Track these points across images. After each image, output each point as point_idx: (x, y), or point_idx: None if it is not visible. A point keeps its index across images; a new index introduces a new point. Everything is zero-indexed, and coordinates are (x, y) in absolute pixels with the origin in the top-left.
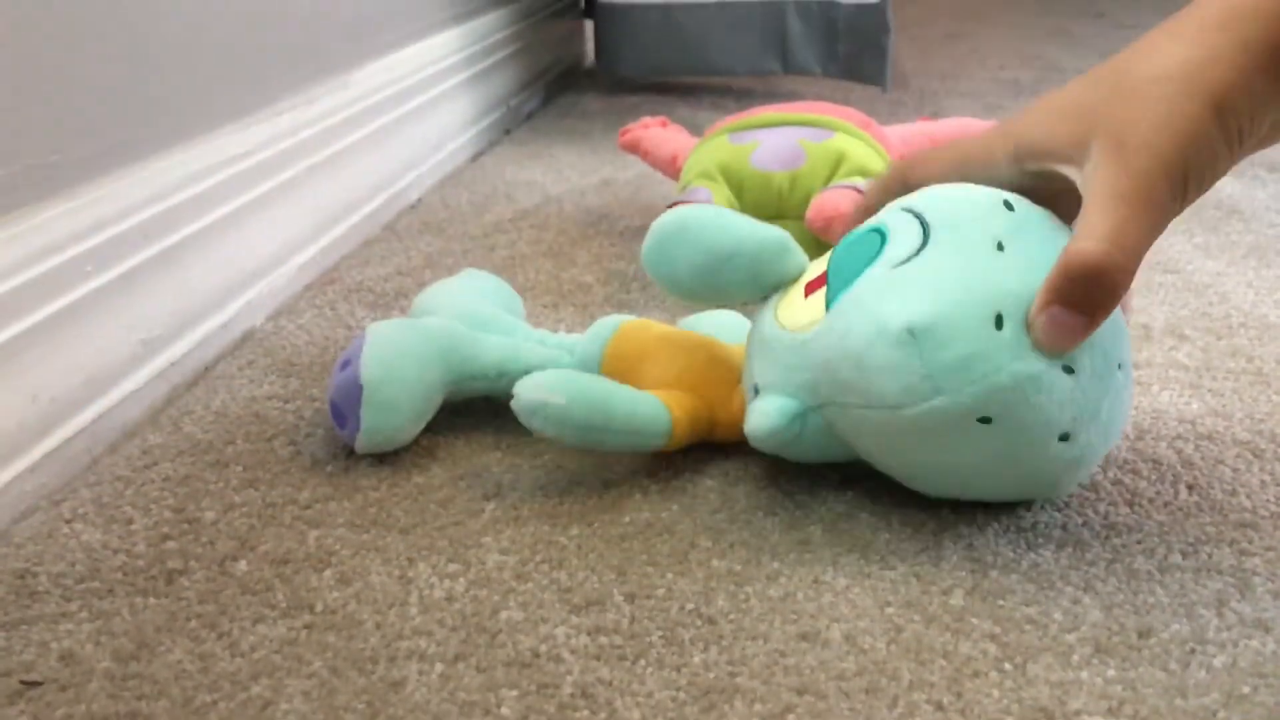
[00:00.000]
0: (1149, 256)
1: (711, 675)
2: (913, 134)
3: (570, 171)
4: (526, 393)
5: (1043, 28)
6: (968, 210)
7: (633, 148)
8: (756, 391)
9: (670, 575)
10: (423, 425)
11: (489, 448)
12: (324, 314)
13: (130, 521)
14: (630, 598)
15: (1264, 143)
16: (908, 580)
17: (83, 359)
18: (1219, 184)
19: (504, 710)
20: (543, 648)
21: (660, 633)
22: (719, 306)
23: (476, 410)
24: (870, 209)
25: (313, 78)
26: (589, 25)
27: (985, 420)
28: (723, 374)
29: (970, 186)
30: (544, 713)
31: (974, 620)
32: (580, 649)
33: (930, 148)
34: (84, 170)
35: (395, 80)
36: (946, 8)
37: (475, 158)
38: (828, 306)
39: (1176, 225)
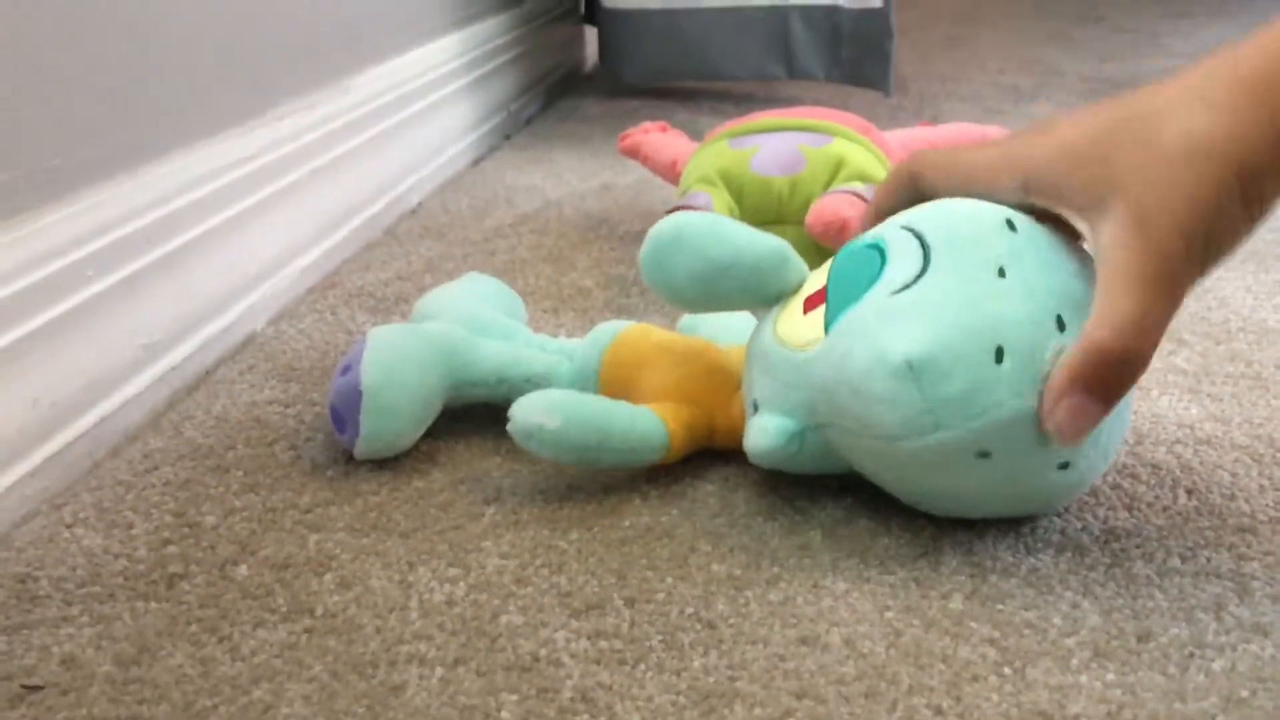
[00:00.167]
0: None
1: (711, 679)
2: (912, 139)
3: (570, 176)
4: (521, 415)
5: (1042, 31)
6: (969, 230)
7: (632, 153)
8: (756, 407)
9: (670, 579)
10: (422, 431)
11: (489, 452)
12: (325, 318)
13: (131, 526)
14: (630, 602)
15: None
16: (907, 585)
17: (84, 363)
18: None
19: (504, 714)
20: (543, 652)
21: (660, 637)
22: (717, 313)
23: (477, 415)
24: (880, 214)
25: (314, 82)
26: (589, 30)
27: (984, 454)
28: (721, 381)
29: (973, 202)
30: (544, 717)
31: (973, 624)
32: (580, 653)
33: (940, 151)
34: (85, 174)
35: (396, 85)
36: (946, 12)
37: (476, 162)
38: (827, 327)
39: None
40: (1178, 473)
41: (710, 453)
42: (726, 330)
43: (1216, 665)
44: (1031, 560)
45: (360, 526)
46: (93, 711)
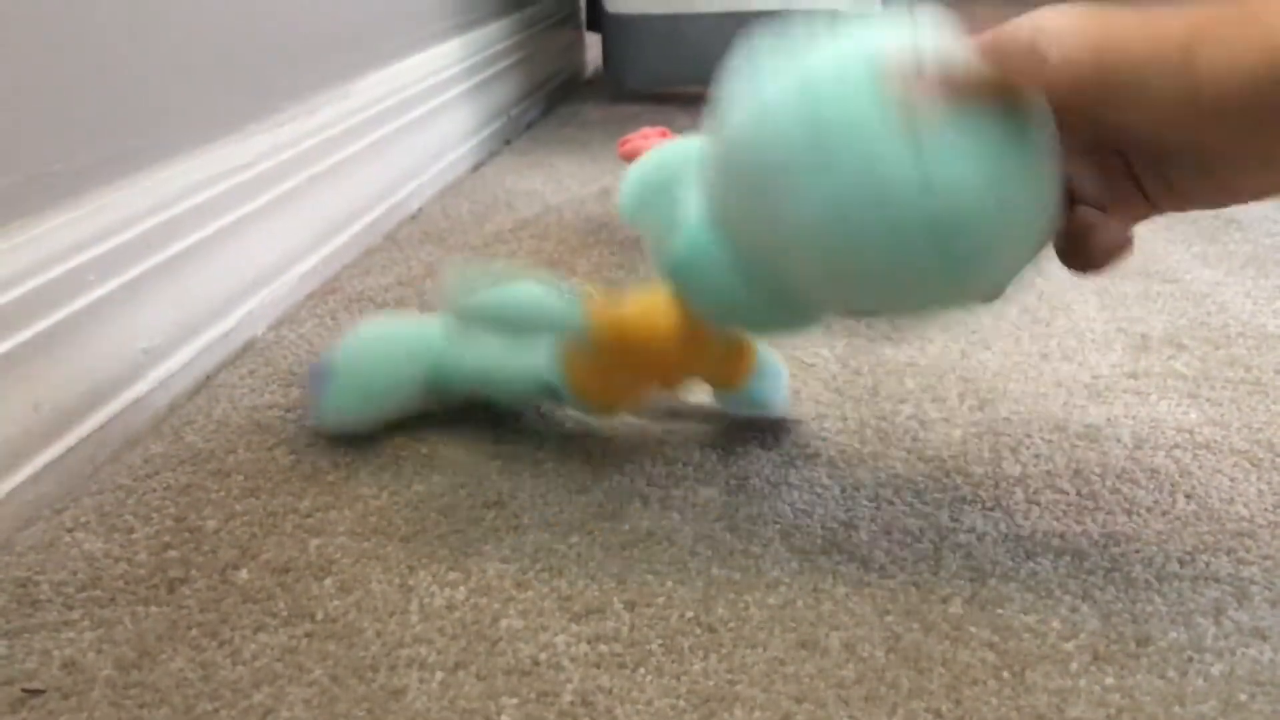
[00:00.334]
0: (1148, 265)
1: (711, 683)
2: None
3: (570, 181)
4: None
5: None
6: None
7: (632, 157)
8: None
9: (670, 583)
10: (386, 411)
11: (489, 456)
12: (325, 323)
13: (132, 530)
14: (630, 606)
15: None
16: (906, 589)
17: (85, 368)
18: None
19: (504, 718)
20: (543, 656)
21: (660, 641)
22: None
23: (476, 418)
24: None
25: (314, 88)
26: (590, 36)
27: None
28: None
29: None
30: None
31: (972, 628)
32: (580, 657)
33: None
34: (86, 179)
35: (396, 90)
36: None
37: (476, 167)
38: None
39: (1174, 235)
40: (1177, 477)
41: (711, 456)
42: None
43: (1215, 669)
44: (1031, 564)
45: (361, 530)
46: (93, 715)
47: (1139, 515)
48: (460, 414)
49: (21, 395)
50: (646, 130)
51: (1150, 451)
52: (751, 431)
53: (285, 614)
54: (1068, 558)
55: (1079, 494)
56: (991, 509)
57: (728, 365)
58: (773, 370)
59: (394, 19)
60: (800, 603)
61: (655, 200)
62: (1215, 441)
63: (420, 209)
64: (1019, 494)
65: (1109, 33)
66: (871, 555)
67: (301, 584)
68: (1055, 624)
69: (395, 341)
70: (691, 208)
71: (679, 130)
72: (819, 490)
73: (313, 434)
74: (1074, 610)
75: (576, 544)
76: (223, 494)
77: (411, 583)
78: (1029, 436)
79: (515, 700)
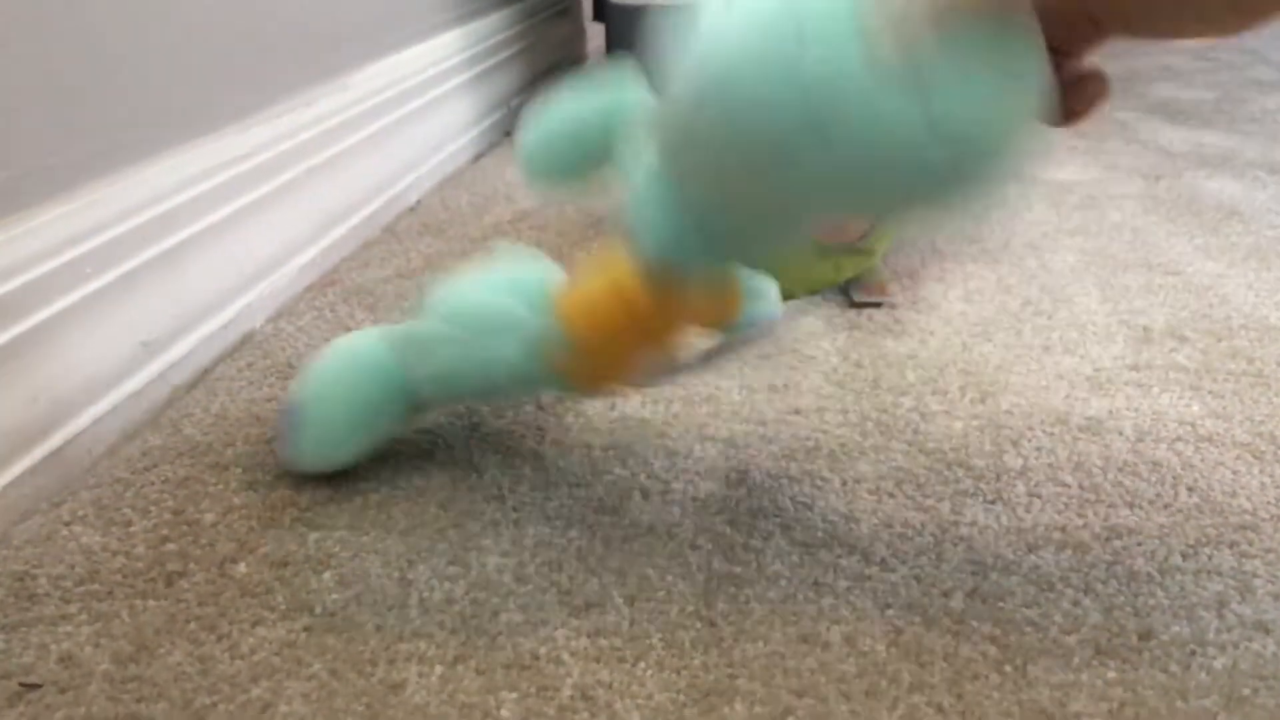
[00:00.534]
0: (1150, 258)
1: (711, 677)
2: None
3: None
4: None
5: None
6: None
7: None
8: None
9: (670, 577)
10: (362, 445)
11: (489, 450)
12: (324, 316)
13: (130, 524)
14: (630, 600)
15: None
16: (908, 583)
17: (82, 361)
18: (1219, 185)
19: (504, 713)
20: (542, 650)
21: (660, 635)
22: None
23: (475, 412)
24: None
25: (313, 80)
26: (590, 26)
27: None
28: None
29: None
30: (544, 715)
31: (974, 622)
32: (580, 651)
33: None
34: (84, 172)
35: (395, 82)
36: None
37: (475, 159)
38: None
39: (1177, 227)
40: (1179, 470)
41: (711, 448)
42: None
43: (1218, 663)
44: (1032, 558)
45: (359, 524)
46: (91, 709)
47: (1141, 508)
48: (457, 407)
49: (19, 388)
50: None
51: (1152, 444)
52: (752, 424)
53: (284, 608)
54: (1069, 551)
55: (1081, 487)
56: (993, 502)
57: (713, 306)
58: (756, 287)
59: (393, 10)
60: (801, 597)
61: (569, 157)
62: (1217, 434)
63: (419, 201)
64: (1020, 487)
65: None
66: (872, 549)
67: (300, 577)
68: (1057, 618)
69: (361, 368)
70: (642, 170)
71: None
72: (819, 483)
73: None
74: (1076, 604)
75: (576, 538)
76: (221, 487)
77: (411, 576)
78: (1030, 429)
79: (515, 695)
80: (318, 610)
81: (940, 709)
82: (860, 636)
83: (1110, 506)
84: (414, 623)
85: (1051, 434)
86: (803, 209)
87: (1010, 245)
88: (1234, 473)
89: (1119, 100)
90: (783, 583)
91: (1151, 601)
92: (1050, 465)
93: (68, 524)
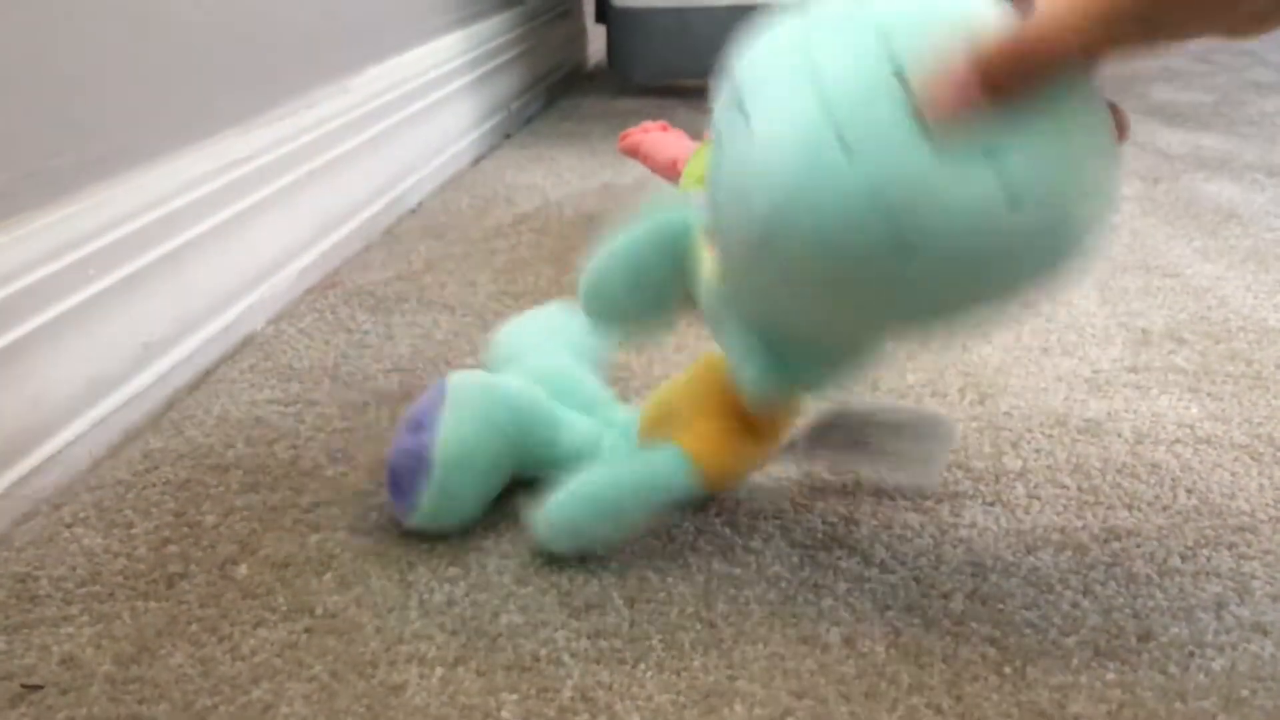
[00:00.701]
0: (1148, 260)
1: (711, 678)
2: None
3: (571, 175)
4: (538, 532)
5: None
6: (771, 56)
7: (633, 152)
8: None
9: (670, 579)
10: (480, 511)
11: None
12: (324, 318)
13: (131, 525)
14: (630, 601)
15: None
16: (907, 584)
17: (84, 363)
18: (1218, 187)
19: (504, 714)
20: (543, 651)
21: (660, 636)
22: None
23: None
24: None
25: (314, 82)
26: (591, 29)
27: (907, 245)
28: (734, 399)
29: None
30: (544, 716)
31: (973, 624)
32: (580, 653)
33: None
34: (86, 174)
35: (396, 85)
36: None
37: (476, 161)
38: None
39: (1175, 229)
40: (1178, 472)
41: None
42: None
43: (1217, 664)
44: (1031, 559)
45: (360, 526)
46: (92, 711)
47: (1140, 510)
48: None
49: (21, 389)
50: (647, 124)
51: (1151, 446)
52: None
53: (285, 609)
54: (1068, 553)
55: (1080, 489)
56: (992, 504)
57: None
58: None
59: (394, 13)
60: (800, 598)
61: (630, 298)
62: (1216, 436)
63: (420, 203)
64: (1020, 489)
65: None
66: (872, 550)
67: (301, 579)
68: (1056, 619)
69: (495, 432)
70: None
71: (679, 124)
72: (819, 485)
73: (312, 429)
74: (1075, 605)
75: None
76: (222, 489)
77: (411, 578)
78: (1029, 431)
79: (515, 696)
80: (318, 612)
81: (939, 710)
82: (860, 638)
83: (1109, 508)
84: (414, 624)
85: (1050, 436)
86: (895, 317)
87: None
88: (1232, 475)
89: (1118, 102)
90: (782, 584)
91: (1150, 603)
92: (1049, 467)
93: (69, 525)
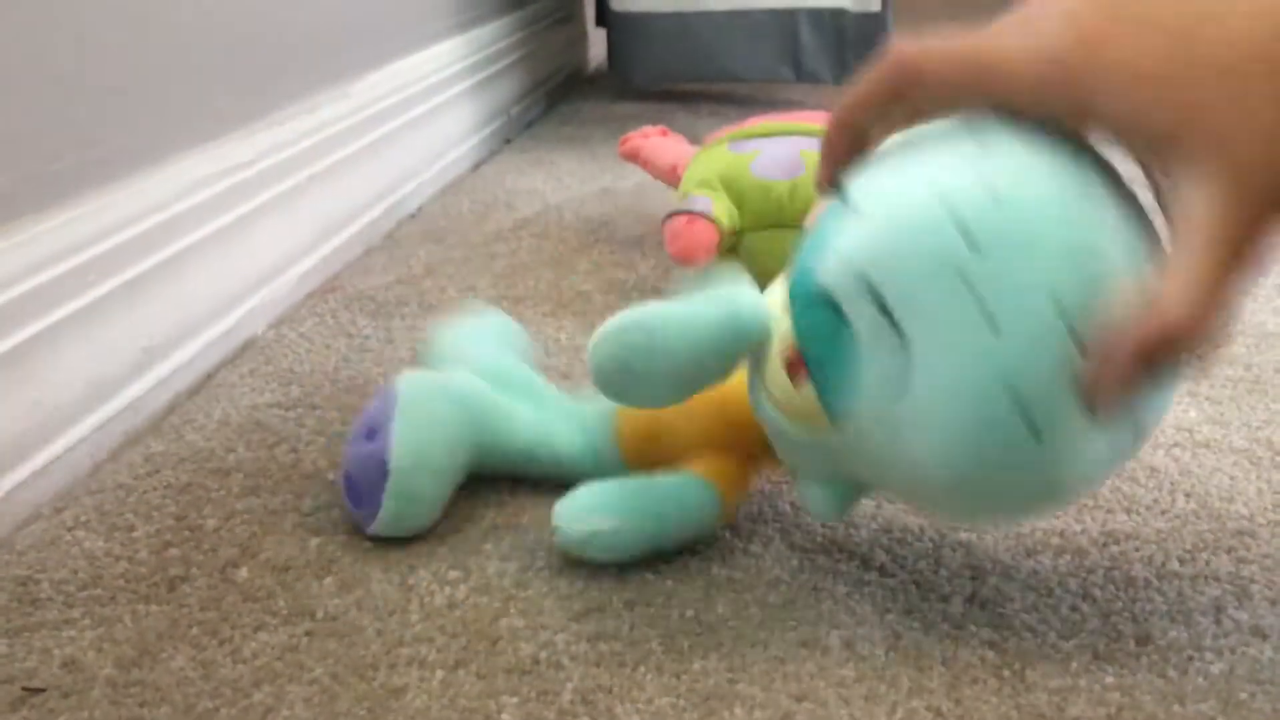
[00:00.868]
0: None
1: (711, 682)
2: None
3: (571, 180)
4: (571, 524)
5: None
6: (922, 265)
7: (633, 156)
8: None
9: (670, 582)
10: (440, 512)
11: None
12: (325, 322)
13: (132, 529)
14: (630, 604)
15: None
16: (907, 587)
17: (85, 367)
18: None
19: (504, 717)
20: (543, 654)
21: (660, 639)
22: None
23: None
24: (852, 126)
25: (314, 87)
26: (591, 34)
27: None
28: (743, 435)
29: (909, 203)
30: (544, 719)
31: (973, 627)
32: (580, 655)
33: (938, 45)
34: (86, 179)
35: (397, 89)
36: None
37: (476, 166)
38: (828, 409)
39: None
40: (1176, 476)
41: None
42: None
43: (1215, 668)
44: (1031, 563)
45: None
46: (94, 714)
47: (1138, 514)
48: None
49: (22, 393)
50: (647, 129)
51: (1149, 450)
52: None
53: (285, 612)
54: (1067, 556)
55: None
56: None
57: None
58: None
59: (394, 17)
60: (800, 601)
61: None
62: (1215, 440)
63: (420, 208)
64: None
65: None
66: (872, 554)
67: (302, 582)
68: (1055, 623)
69: (448, 430)
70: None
71: (679, 128)
72: None
73: (313, 432)
74: (1074, 609)
75: None
76: (223, 493)
77: (411, 581)
78: None
79: (515, 699)
80: (319, 615)
81: (939, 713)
82: (859, 641)
83: (1108, 512)
84: (415, 627)
85: None
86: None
87: None
88: (1231, 478)
89: None
90: (782, 588)
91: (1149, 606)
92: None
93: (70, 529)
